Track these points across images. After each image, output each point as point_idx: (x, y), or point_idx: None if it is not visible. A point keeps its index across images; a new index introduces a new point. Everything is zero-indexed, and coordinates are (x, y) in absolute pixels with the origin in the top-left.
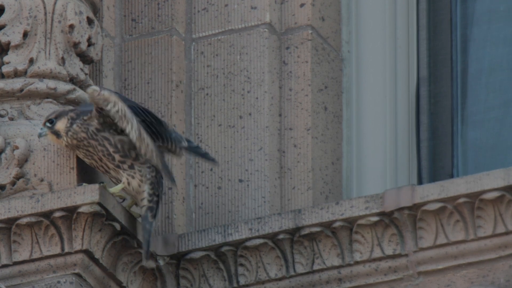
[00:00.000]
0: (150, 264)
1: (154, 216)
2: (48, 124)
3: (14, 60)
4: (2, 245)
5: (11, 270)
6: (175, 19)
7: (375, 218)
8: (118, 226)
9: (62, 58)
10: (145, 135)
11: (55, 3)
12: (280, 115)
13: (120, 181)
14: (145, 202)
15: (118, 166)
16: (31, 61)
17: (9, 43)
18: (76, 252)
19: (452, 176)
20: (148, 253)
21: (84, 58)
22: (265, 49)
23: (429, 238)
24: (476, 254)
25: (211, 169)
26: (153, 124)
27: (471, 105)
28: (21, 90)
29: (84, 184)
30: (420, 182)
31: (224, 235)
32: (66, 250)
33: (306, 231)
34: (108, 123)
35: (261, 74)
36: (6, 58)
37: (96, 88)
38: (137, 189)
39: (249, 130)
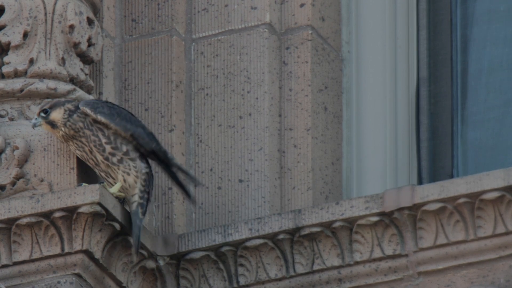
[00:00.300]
0: (150, 264)
1: (144, 213)
2: (42, 114)
3: (14, 60)
4: (2, 245)
5: (11, 270)
6: (175, 20)
7: (375, 218)
8: (118, 226)
9: (62, 58)
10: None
11: (55, 4)
12: (280, 115)
13: (109, 175)
14: (136, 198)
15: (107, 159)
16: (31, 62)
17: (9, 43)
18: (76, 252)
19: (452, 176)
20: (138, 248)
21: (84, 58)
22: (265, 49)
23: (429, 238)
24: (476, 254)
25: (211, 169)
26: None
27: (471, 105)
28: (21, 90)
29: (84, 184)
30: (420, 182)
31: (224, 235)
32: (66, 250)
33: (306, 231)
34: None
35: (261, 74)
36: (6, 59)
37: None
38: (133, 185)
39: (249, 130)
